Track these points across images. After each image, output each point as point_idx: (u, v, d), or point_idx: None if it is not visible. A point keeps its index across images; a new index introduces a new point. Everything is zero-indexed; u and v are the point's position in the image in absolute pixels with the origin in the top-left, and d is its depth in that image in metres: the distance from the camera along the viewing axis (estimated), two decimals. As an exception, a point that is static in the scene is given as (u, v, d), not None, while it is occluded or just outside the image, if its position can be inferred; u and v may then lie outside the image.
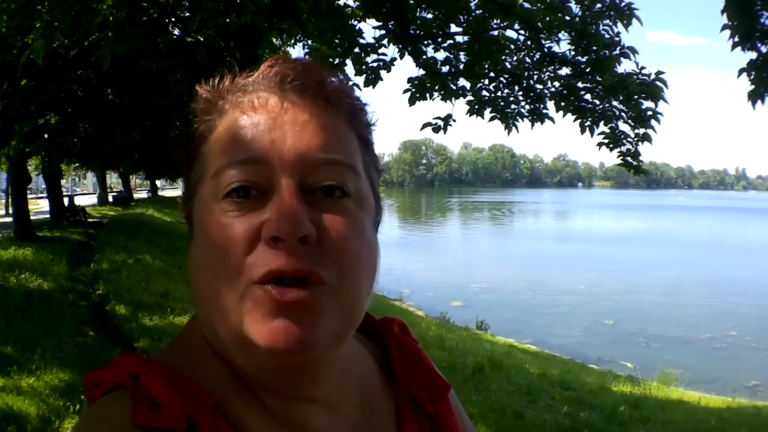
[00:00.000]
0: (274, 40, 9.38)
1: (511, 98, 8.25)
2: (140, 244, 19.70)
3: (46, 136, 15.90)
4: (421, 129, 8.09)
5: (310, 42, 8.72)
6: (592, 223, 73.87)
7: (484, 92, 8.28)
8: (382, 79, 7.64)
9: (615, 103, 7.62)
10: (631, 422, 8.22)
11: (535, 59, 8.03)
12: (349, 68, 7.56)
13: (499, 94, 8.30)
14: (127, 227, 24.14)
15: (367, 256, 0.78)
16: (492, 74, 8.18)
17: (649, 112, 7.37)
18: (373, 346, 0.99)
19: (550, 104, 8.08)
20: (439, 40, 7.94)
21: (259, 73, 0.83)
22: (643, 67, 7.33)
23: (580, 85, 7.77)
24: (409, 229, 58.05)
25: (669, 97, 7.24)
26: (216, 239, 0.74)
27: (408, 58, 7.94)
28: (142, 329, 9.45)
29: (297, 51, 10.76)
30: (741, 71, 5.66)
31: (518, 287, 25.79)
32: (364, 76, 7.62)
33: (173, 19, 8.29)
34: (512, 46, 7.89)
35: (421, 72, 7.93)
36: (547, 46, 7.73)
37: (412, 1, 7.61)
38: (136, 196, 53.29)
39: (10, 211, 22.74)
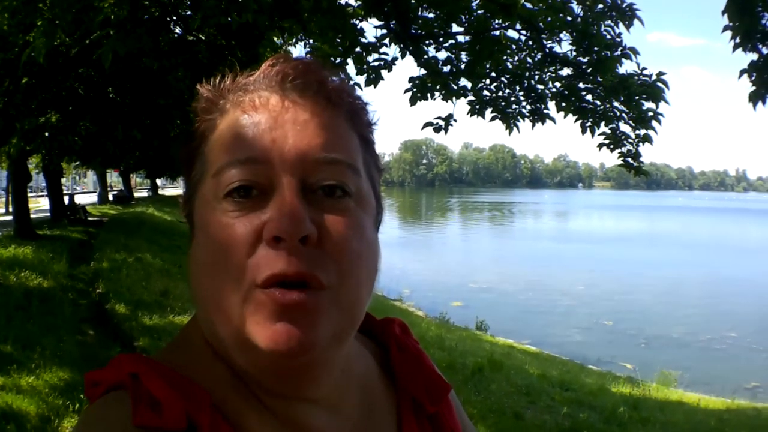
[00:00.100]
0: (275, 38, 9.39)
1: (512, 98, 8.25)
2: (140, 242, 19.71)
3: (46, 134, 15.91)
4: (422, 129, 8.09)
5: (311, 41, 8.73)
6: (593, 223, 73.84)
7: (485, 92, 8.28)
8: (383, 79, 7.64)
9: (616, 103, 7.62)
10: (630, 423, 8.22)
11: (536, 59, 8.03)
12: (351, 67, 7.57)
13: (500, 94, 8.30)
14: (128, 226, 24.16)
15: (367, 256, 0.78)
16: (493, 74, 8.18)
17: (650, 113, 7.37)
18: (373, 346, 0.99)
19: (551, 104, 8.09)
20: (441, 39, 7.94)
21: (260, 72, 0.83)
22: (644, 68, 7.33)
23: (581, 85, 7.77)
24: (409, 229, 58.06)
25: (669, 98, 7.24)
26: (217, 239, 0.74)
27: (409, 58, 7.94)
28: (142, 328, 9.46)
29: (298, 50, 10.77)
30: (742, 72, 5.66)
31: (518, 288, 25.80)
32: (366, 75, 7.62)
33: (174, 18, 8.29)
34: (514, 46, 7.89)
35: (423, 72, 7.93)
36: (548, 46, 7.73)
37: (413, 1, 7.62)
38: (136, 194, 53.32)
39: (11, 210, 22.72)
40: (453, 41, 7.93)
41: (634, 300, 24.06)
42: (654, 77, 7.25)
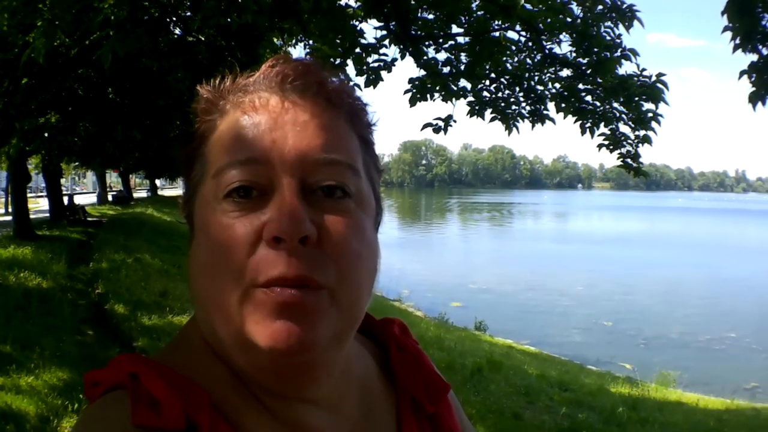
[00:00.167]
0: (275, 39, 9.39)
1: (512, 99, 8.25)
2: (140, 243, 19.70)
3: (46, 134, 15.89)
4: (422, 129, 8.10)
5: (311, 42, 8.73)
6: (592, 224, 73.84)
7: (485, 93, 8.28)
8: (382, 80, 7.64)
9: (615, 104, 7.61)
10: (629, 423, 8.23)
11: (536, 60, 8.03)
12: (350, 68, 7.56)
13: (499, 95, 8.29)
14: (127, 226, 24.15)
15: (367, 257, 0.78)
16: (493, 75, 8.18)
17: (650, 114, 7.37)
18: (373, 346, 0.99)
19: (551, 105, 8.08)
20: (440, 40, 7.93)
21: (260, 73, 0.83)
22: (643, 69, 7.33)
23: (580, 86, 7.77)
24: (409, 229, 58.06)
25: (669, 99, 7.25)
26: (217, 240, 0.74)
27: (409, 59, 7.94)
28: (141, 328, 9.46)
29: (298, 51, 10.78)
30: (742, 73, 5.65)
31: (517, 288, 25.80)
32: (365, 76, 7.61)
33: (174, 19, 8.29)
34: (513, 48, 7.89)
35: (422, 72, 7.93)
36: (548, 47, 7.73)
37: (413, 2, 7.61)
38: (135, 195, 53.29)
39: (10, 210, 22.70)
40: (453, 42, 7.93)
41: (634, 300, 24.07)
42: (654, 78, 7.25)
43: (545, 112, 8.14)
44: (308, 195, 0.74)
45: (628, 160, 7.82)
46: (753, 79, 5.57)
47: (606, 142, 7.83)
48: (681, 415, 9.39)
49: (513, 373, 10.30)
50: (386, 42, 7.66)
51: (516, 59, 8.19)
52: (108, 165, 32.86)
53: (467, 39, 7.78)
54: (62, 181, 31.99)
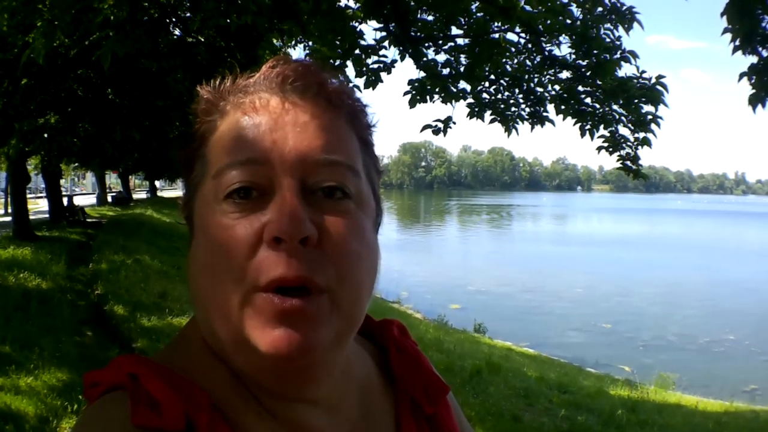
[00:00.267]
0: (274, 41, 9.39)
1: (512, 101, 8.25)
2: (139, 244, 19.70)
3: (45, 135, 15.86)
4: (421, 131, 8.09)
5: (310, 43, 8.72)
6: (591, 226, 73.84)
7: (485, 95, 8.28)
8: (382, 81, 7.63)
9: (615, 106, 7.61)
10: (628, 426, 8.22)
11: (535, 62, 8.03)
12: (350, 70, 7.56)
13: (499, 96, 8.29)
14: (126, 227, 24.13)
15: (367, 258, 0.78)
16: (492, 77, 8.18)
17: (649, 116, 7.38)
18: (372, 347, 0.99)
19: (550, 107, 8.09)
20: (440, 42, 7.93)
21: (261, 74, 0.83)
22: (643, 71, 7.34)
23: (580, 88, 7.77)
24: (408, 231, 58.06)
25: (668, 101, 7.25)
26: (217, 241, 0.74)
27: (408, 60, 7.94)
28: (140, 329, 9.45)
29: (297, 52, 10.79)
30: (742, 75, 5.65)
31: (516, 290, 25.79)
32: (365, 77, 7.61)
33: (174, 19, 8.29)
34: (513, 49, 7.90)
35: (422, 74, 7.93)
36: (547, 49, 7.74)
37: (413, 3, 7.61)
38: (135, 196, 53.22)
39: (9, 211, 22.70)
40: (452, 44, 7.92)
41: (633, 302, 24.07)
42: (653, 80, 7.25)
43: (545, 113, 8.14)
44: (308, 196, 0.75)
45: (628, 163, 7.82)
46: (753, 81, 5.57)
47: (605, 144, 7.83)
48: (680, 418, 9.39)
49: (512, 375, 10.30)
50: (386, 43, 7.66)
51: (515, 61, 8.19)
52: (107, 166, 32.88)
53: (467, 40, 7.79)
54: (62, 182, 31.94)
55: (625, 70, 7.45)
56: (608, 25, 7.24)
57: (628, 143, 7.73)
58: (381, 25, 7.54)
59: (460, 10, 7.39)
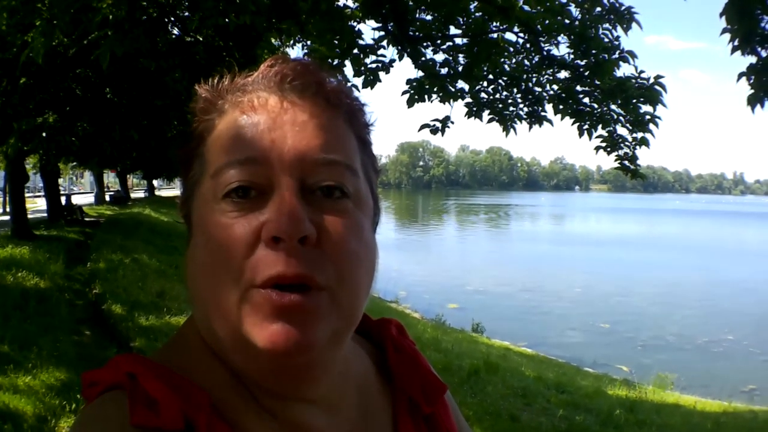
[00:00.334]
0: (273, 40, 9.40)
1: (510, 101, 8.26)
2: (137, 243, 19.68)
3: (44, 134, 15.87)
4: (419, 130, 8.11)
5: (309, 42, 8.72)
6: (589, 226, 73.87)
7: (483, 94, 8.28)
8: (380, 81, 7.64)
9: (613, 106, 7.63)
10: (626, 426, 8.23)
11: (534, 62, 8.04)
12: (348, 69, 7.57)
13: (497, 96, 8.30)
14: (124, 227, 24.11)
15: (366, 257, 0.78)
16: (491, 76, 8.19)
17: (648, 116, 7.38)
18: (370, 347, 0.99)
19: (549, 107, 8.10)
20: (438, 42, 7.93)
21: (259, 73, 0.83)
22: (642, 71, 7.35)
23: (578, 88, 7.78)
24: (406, 230, 58.03)
25: (667, 101, 7.26)
26: (216, 239, 0.74)
27: (407, 60, 7.94)
28: (138, 329, 9.45)
29: (296, 51, 10.80)
30: (740, 75, 5.65)
31: (514, 290, 25.80)
32: (363, 77, 7.61)
33: (172, 19, 8.29)
34: (511, 49, 7.90)
35: (420, 74, 7.93)
36: (546, 49, 7.74)
37: (411, 3, 7.61)
38: (133, 195, 53.22)
39: (8, 210, 22.69)
40: (451, 43, 7.93)
41: (631, 302, 24.09)
42: (652, 80, 7.26)
43: (543, 113, 8.16)
44: (307, 195, 0.74)
45: (626, 162, 7.83)
46: (752, 81, 5.57)
47: (603, 144, 7.84)
48: (678, 418, 9.40)
49: (510, 374, 10.30)
50: (384, 43, 7.67)
51: (514, 61, 8.20)
52: (105, 165, 32.85)
53: (465, 40, 7.79)
54: (60, 181, 31.90)
55: (624, 70, 7.47)
56: (607, 25, 7.25)
57: (627, 143, 7.74)
58: (379, 25, 7.54)
59: (459, 9, 7.39)
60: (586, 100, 7.80)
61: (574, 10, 7.38)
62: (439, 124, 7.99)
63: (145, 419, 0.69)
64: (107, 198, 43.72)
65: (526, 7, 7.14)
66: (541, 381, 10.35)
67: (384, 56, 7.69)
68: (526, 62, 8.15)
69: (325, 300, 0.72)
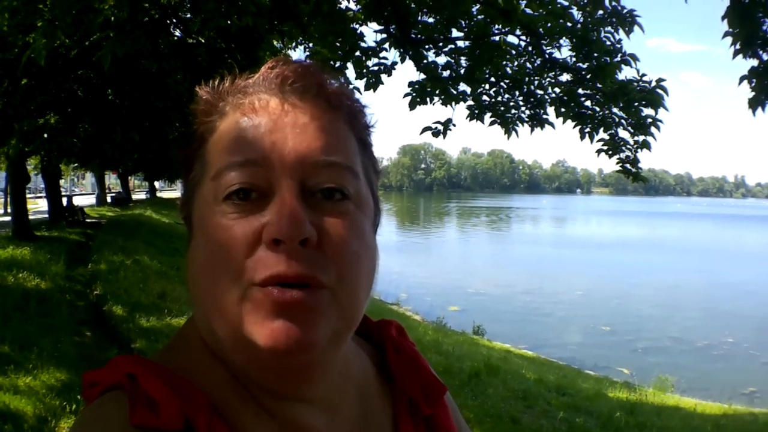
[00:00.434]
0: (274, 42, 9.40)
1: (512, 103, 8.26)
2: (138, 244, 19.68)
3: (45, 135, 15.87)
4: (421, 133, 8.11)
5: (310, 45, 8.73)
6: (591, 229, 73.81)
7: (485, 97, 8.29)
8: (382, 83, 7.65)
9: (615, 109, 7.63)
10: (627, 428, 8.22)
11: (536, 65, 8.05)
12: (350, 72, 7.58)
13: (499, 99, 8.31)
14: (126, 228, 24.12)
15: (366, 259, 0.78)
16: (493, 79, 8.19)
17: (649, 120, 7.39)
18: (370, 348, 0.99)
19: (551, 110, 8.10)
20: (441, 44, 7.94)
21: (260, 74, 0.83)
22: (643, 75, 7.35)
23: (580, 91, 7.79)
24: (407, 233, 58.02)
25: (668, 104, 7.26)
26: (216, 241, 0.74)
27: (409, 63, 7.96)
28: (139, 330, 9.45)
29: (298, 53, 10.78)
30: (742, 78, 5.66)
31: (515, 292, 25.79)
32: (365, 79, 7.62)
33: (174, 20, 8.30)
34: (513, 52, 7.91)
35: (422, 76, 7.94)
36: (548, 51, 7.75)
37: (413, 5, 7.62)
38: (134, 197, 53.21)
39: (9, 211, 22.69)
40: (453, 46, 7.94)
41: (632, 305, 24.08)
42: (653, 84, 7.26)
43: (545, 116, 8.16)
44: (308, 197, 0.74)
45: (627, 165, 7.83)
46: (753, 84, 5.58)
47: (605, 147, 7.84)
48: (679, 420, 9.39)
49: (511, 377, 10.29)
50: (386, 45, 7.68)
51: (516, 63, 8.21)
52: (107, 166, 32.88)
53: (467, 43, 7.80)
54: (61, 182, 31.91)
55: (626, 73, 7.48)
56: (609, 28, 7.26)
57: (628, 146, 7.74)
58: (381, 27, 7.56)
59: (461, 12, 7.40)
60: (588, 103, 7.81)
61: (576, 13, 7.40)
62: (441, 127, 8.00)
63: (145, 419, 0.69)
64: (109, 199, 43.75)
65: (528, 10, 7.15)
66: (542, 383, 10.34)
67: (386, 59, 7.71)
68: (528, 65, 8.16)
69: (327, 298, 0.72)
